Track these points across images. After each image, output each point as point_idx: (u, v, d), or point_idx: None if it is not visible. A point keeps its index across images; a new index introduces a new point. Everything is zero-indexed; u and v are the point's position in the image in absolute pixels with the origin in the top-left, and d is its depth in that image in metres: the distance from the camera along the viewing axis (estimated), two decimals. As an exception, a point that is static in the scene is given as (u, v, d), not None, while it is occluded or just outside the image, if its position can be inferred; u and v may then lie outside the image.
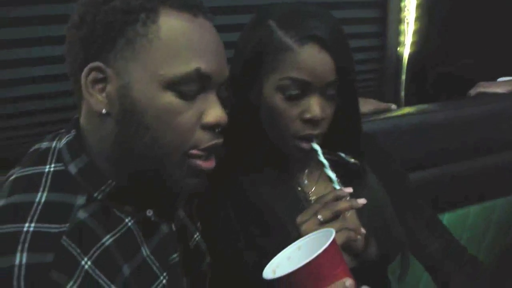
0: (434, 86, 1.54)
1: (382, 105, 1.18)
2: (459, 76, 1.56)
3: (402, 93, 1.43)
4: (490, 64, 1.63)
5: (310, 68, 0.68)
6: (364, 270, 0.67)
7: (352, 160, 0.77)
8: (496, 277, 0.82)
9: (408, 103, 1.45)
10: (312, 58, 0.68)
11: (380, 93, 1.41)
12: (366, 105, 1.17)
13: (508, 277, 1.13)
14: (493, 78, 1.53)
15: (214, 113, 0.54)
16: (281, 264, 0.52)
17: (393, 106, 1.19)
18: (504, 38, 1.65)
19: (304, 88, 0.69)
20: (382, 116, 1.13)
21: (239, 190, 0.76)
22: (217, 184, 0.72)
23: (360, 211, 0.76)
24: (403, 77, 1.40)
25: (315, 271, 0.46)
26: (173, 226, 0.63)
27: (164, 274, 0.59)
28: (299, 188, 0.79)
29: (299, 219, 0.64)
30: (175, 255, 0.63)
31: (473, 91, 1.43)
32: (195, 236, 0.71)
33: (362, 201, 0.65)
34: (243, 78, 0.72)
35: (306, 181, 0.80)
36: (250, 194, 0.75)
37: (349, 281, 0.46)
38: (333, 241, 0.48)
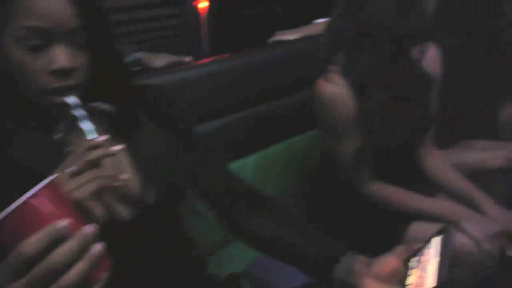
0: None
1: (175, 58, 1.19)
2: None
3: (205, 46, 1.45)
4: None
5: (46, 14, 0.62)
6: (146, 215, 0.68)
7: (107, 107, 0.75)
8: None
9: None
10: (47, 3, 0.63)
11: (182, 48, 1.42)
12: (158, 59, 1.16)
13: (311, 219, 1.28)
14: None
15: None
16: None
17: (187, 59, 1.21)
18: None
19: (46, 37, 0.64)
20: (174, 69, 1.14)
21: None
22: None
23: (136, 159, 0.76)
24: (204, 30, 1.42)
25: (28, 216, 0.44)
26: None
27: None
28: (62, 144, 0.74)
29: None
30: None
31: (269, 40, 1.55)
32: None
33: (117, 147, 0.64)
34: None
35: (63, 135, 0.76)
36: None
37: (61, 224, 0.44)
38: (49, 185, 0.46)
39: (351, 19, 0.94)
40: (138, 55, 1.18)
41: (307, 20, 1.66)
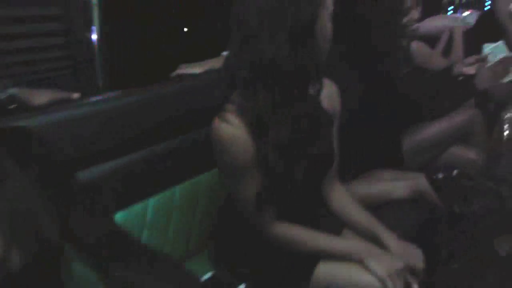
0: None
1: (60, 94, 1.06)
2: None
3: (99, 80, 1.34)
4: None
5: None
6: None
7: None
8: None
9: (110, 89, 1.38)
10: None
11: (76, 81, 1.29)
12: (39, 96, 1.03)
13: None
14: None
15: None
16: None
17: (76, 95, 1.09)
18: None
19: None
20: (57, 107, 1.01)
21: None
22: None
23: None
24: (97, 62, 1.31)
25: None
26: None
27: None
28: None
29: None
30: None
31: (173, 74, 1.48)
32: None
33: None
34: None
35: None
36: None
37: None
38: None
39: (245, 58, 0.91)
40: (13, 90, 1.03)
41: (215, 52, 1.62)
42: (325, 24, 0.96)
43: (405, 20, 1.62)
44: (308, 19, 0.90)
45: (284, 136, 0.92)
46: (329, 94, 1.10)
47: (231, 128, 0.91)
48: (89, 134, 1.03)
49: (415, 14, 1.63)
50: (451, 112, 1.77)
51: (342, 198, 1.20)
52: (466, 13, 3.67)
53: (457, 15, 3.69)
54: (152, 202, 1.18)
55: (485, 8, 3.79)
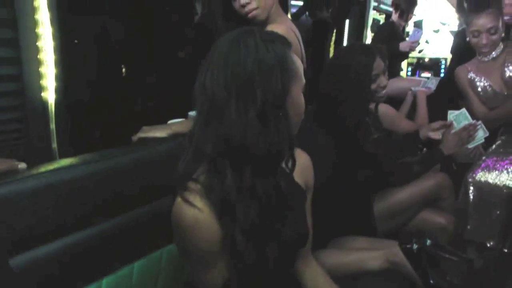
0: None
1: (4, 164, 0.94)
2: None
3: (54, 145, 1.23)
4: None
5: None
6: None
7: None
8: None
9: (66, 155, 1.27)
10: None
11: (29, 146, 1.18)
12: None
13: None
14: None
15: None
16: None
17: (22, 165, 0.97)
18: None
19: None
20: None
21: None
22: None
23: None
24: (52, 125, 1.21)
25: None
26: None
27: None
28: None
29: None
30: None
31: (135, 137, 1.39)
32: None
33: None
34: None
35: None
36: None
37: None
38: None
39: (211, 132, 0.84)
40: None
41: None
42: (297, 97, 0.91)
43: (373, 86, 1.63)
44: (279, 93, 0.84)
45: (254, 218, 0.84)
46: (302, 167, 1.04)
47: (194, 211, 0.81)
48: (30, 214, 0.91)
49: (383, 80, 1.65)
50: (420, 177, 1.77)
51: (317, 274, 1.11)
52: (427, 76, 3.86)
53: (416, 77, 3.88)
54: (105, 282, 1.06)
55: (441, 70, 4.02)
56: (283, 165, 0.93)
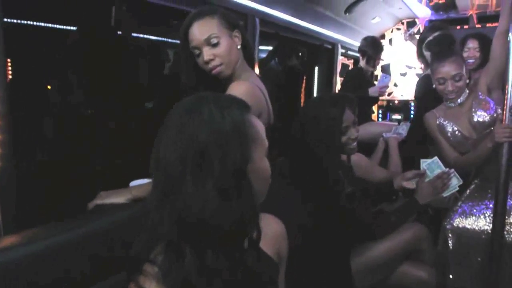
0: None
1: None
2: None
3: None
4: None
5: None
6: None
7: None
8: None
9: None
10: None
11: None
12: None
13: None
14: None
15: None
16: None
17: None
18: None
19: None
20: None
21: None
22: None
23: None
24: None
25: None
26: None
27: None
28: None
29: None
30: None
31: (91, 204, 1.29)
32: None
33: None
34: None
35: None
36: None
37: None
38: None
39: (168, 210, 0.75)
40: None
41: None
42: (260, 162, 0.84)
43: (343, 139, 1.60)
44: (238, 162, 0.77)
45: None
46: (274, 236, 0.96)
47: None
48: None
49: (353, 132, 1.62)
50: (398, 228, 1.71)
51: None
52: (398, 118, 3.92)
53: (387, 121, 3.93)
54: None
55: (411, 112, 4.10)
56: (249, 241, 0.84)
